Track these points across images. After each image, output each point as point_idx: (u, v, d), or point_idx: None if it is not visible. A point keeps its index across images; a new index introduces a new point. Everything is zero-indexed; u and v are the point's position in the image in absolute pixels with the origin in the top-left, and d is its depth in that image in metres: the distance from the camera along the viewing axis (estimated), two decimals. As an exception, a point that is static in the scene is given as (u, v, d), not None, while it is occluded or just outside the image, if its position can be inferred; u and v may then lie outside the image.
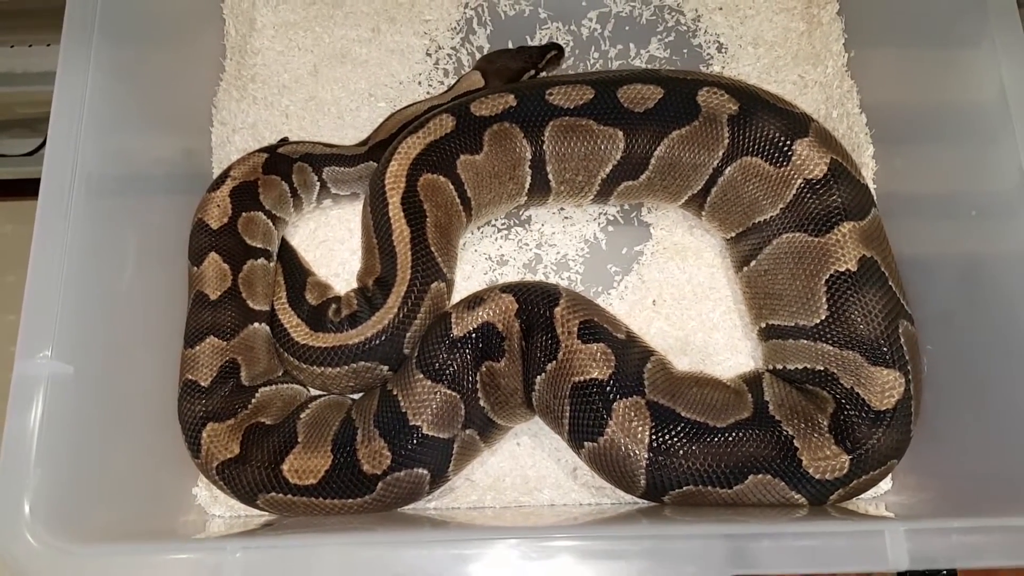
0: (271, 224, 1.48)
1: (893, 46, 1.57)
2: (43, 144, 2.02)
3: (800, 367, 1.33)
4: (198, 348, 1.35)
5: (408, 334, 1.36)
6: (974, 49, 1.30)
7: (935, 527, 1.04)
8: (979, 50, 1.29)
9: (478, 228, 1.59)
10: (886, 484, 1.40)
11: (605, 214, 1.61)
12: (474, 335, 1.31)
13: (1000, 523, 1.04)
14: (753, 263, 1.42)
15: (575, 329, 1.29)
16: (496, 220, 1.60)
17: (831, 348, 1.29)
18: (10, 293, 1.17)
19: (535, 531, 1.12)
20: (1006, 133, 1.23)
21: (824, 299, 1.31)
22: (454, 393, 1.28)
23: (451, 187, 1.43)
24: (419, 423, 1.27)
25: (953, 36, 1.37)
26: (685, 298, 1.54)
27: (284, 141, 1.60)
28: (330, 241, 1.59)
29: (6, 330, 1.15)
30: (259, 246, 1.44)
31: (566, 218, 1.61)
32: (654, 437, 1.22)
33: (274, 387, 1.39)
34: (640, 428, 1.23)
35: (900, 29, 1.54)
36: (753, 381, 1.34)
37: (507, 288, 1.35)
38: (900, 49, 1.55)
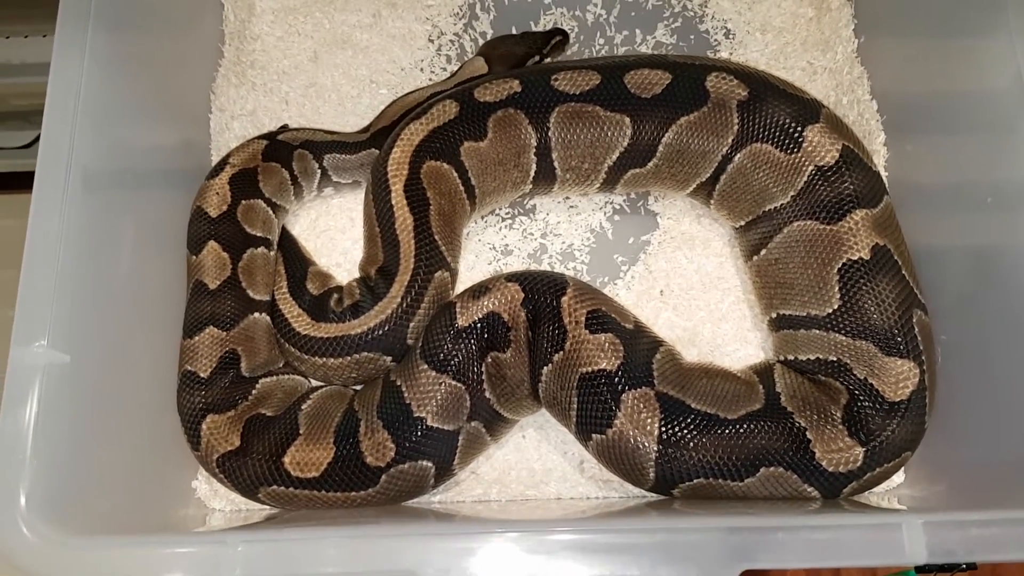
0: (271, 212, 1.45)
1: (904, 32, 1.54)
2: (40, 137, 1.99)
3: (812, 358, 1.30)
4: (197, 338, 1.32)
5: (412, 324, 1.34)
6: (990, 34, 1.27)
7: (953, 519, 1.02)
8: (995, 35, 1.26)
9: (482, 217, 1.56)
10: (899, 477, 1.37)
11: (611, 203, 1.58)
12: (479, 325, 1.28)
13: (1021, 515, 1.01)
14: (763, 252, 1.39)
15: (582, 319, 1.26)
16: (500, 209, 1.57)
17: (844, 338, 1.27)
18: (7, 288, 1.15)
19: (541, 524, 1.09)
20: (1023, 120, 1.20)
21: (836, 288, 1.28)
22: (459, 384, 1.26)
23: (455, 174, 1.40)
24: (423, 414, 1.24)
25: (967, 21, 1.34)
26: (693, 288, 1.51)
27: (284, 128, 1.57)
28: (331, 230, 1.56)
29: (5, 325, 1.12)
30: (259, 234, 1.41)
31: (572, 207, 1.58)
32: (664, 429, 1.20)
33: (275, 378, 1.37)
34: (649, 420, 1.20)
35: (911, 14, 1.51)
36: (764, 372, 1.32)
37: (513, 277, 1.32)
38: (912, 35, 1.52)
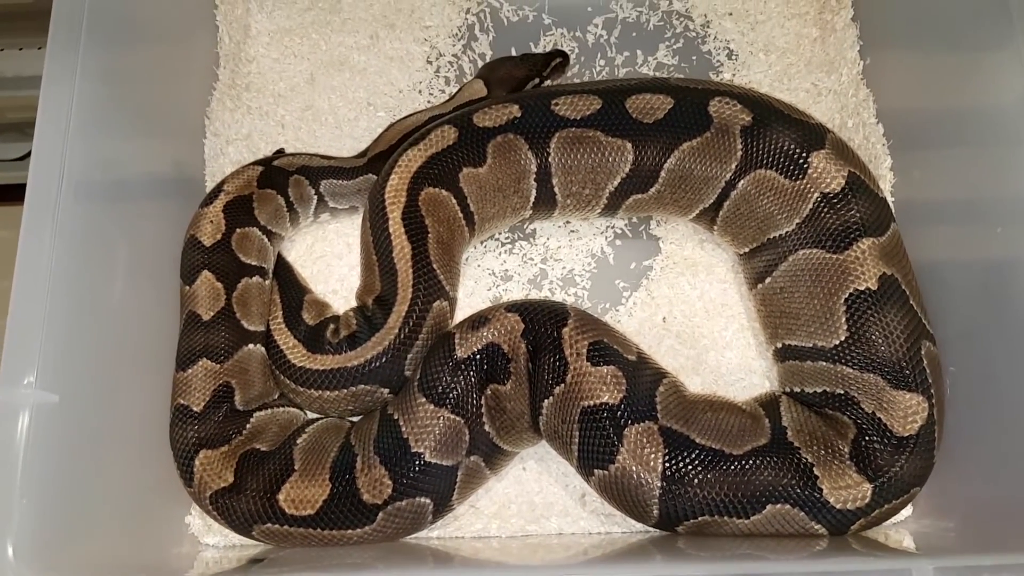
0: (266, 240, 1.42)
1: (911, 52, 1.52)
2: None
3: (819, 390, 1.28)
4: (190, 371, 1.30)
5: (410, 355, 1.31)
6: (998, 52, 1.25)
7: (965, 565, 0.99)
8: (1003, 53, 1.23)
9: (481, 243, 1.54)
10: (906, 511, 1.35)
11: (612, 227, 1.55)
12: (478, 357, 1.25)
13: (1035, 561, 0.99)
14: (768, 280, 1.37)
15: (584, 351, 1.24)
16: (500, 234, 1.55)
17: (851, 371, 1.24)
18: (4, 298, 1.12)
19: (540, 570, 1.06)
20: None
21: (843, 319, 1.25)
22: (458, 418, 1.23)
23: (453, 201, 1.38)
24: (421, 450, 1.21)
25: (975, 40, 1.32)
26: (696, 315, 1.49)
27: (280, 153, 1.55)
28: (328, 256, 1.54)
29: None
30: (254, 263, 1.39)
31: (572, 232, 1.55)
32: (668, 465, 1.17)
33: (270, 411, 1.34)
34: (653, 455, 1.18)
35: (918, 34, 1.49)
36: (770, 405, 1.29)
37: (513, 307, 1.30)
38: (918, 55, 1.49)
